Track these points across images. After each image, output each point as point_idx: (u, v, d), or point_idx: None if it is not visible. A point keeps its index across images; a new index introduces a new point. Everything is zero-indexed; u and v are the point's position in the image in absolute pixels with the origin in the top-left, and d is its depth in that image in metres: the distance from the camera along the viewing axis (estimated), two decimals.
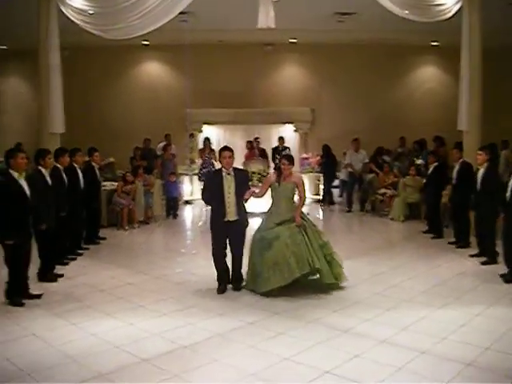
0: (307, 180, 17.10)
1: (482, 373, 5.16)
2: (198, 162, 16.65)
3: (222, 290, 7.84)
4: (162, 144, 17.00)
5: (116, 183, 13.50)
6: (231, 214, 7.70)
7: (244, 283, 8.02)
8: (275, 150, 16.77)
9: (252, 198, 7.92)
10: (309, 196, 16.81)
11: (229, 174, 7.72)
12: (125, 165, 15.71)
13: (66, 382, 5.06)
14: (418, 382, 4.99)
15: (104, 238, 11.64)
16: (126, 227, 12.73)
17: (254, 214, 14.43)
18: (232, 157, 7.78)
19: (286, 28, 14.89)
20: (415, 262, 9.68)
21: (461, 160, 10.64)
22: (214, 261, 7.90)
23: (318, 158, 16.69)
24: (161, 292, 7.96)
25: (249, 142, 17.51)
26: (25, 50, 13.79)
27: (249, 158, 16.70)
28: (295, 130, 19.26)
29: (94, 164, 11.53)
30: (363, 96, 18.35)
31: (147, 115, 18.74)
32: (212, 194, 7.81)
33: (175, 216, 14.52)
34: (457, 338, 6.01)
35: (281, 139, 17.15)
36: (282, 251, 7.49)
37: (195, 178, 16.68)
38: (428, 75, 19.32)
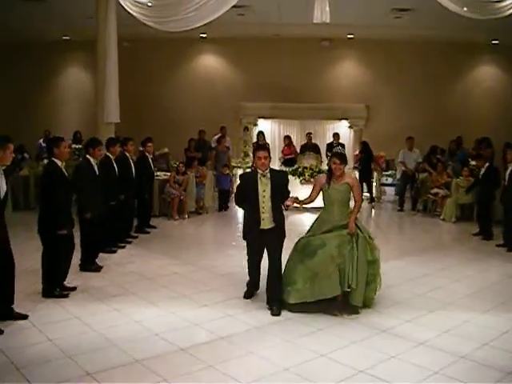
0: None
1: None
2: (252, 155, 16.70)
3: (250, 294, 7.39)
4: (216, 136, 17.11)
5: (169, 173, 13.67)
6: (266, 222, 6.79)
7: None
8: (329, 146, 16.68)
9: (298, 205, 7.10)
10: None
11: (264, 175, 6.75)
12: (179, 155, 15.91)
13: (105, 365, 5.18)
14: None
15: (154, 227, 11.83)
16: (176, 217, 12.89)
17: (302, 210, 14.84)
18: (268, 157, 6.80)
19: (342, 23, 14.88)
20: (463, 264, 9.49)
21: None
22: (249, 272, 7.35)
23: (357, 153, 16.58)
24: (205, 283, 8.04)
25: (287, 138, 17.38)
26: (86, 41, 14.08)
27: (287, 153, 16.64)
28: (350, 127, 19.15)
29: (147, 154, 11.69)
30: (419, 94, 18.08)
31: (203, 107, 18.89)
32: (245, 197, 6.96)
33: (226, 208, 14.61)
34: (498, 344, 5.87)
35: (336, 135, 17.04)
36: (325, 262, 6.62)
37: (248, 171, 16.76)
38: (487, 74, 18.85)
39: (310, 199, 7.19)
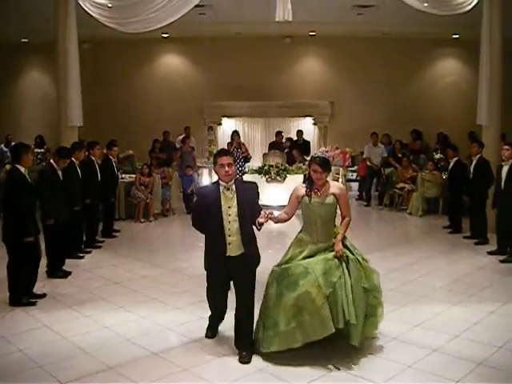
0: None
1: (495, 372, 5.11)
2: None
3: (213, 331, 6.03)
4: (181, 137, 17.05)
5: (134, 176, 13.55)
6: (233, 247, 5.41)
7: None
8: (294, 145, 16.70)
9: (271, 222, 5.54)
10: None
11: (228, 189, 5.40)
12: (144, 157, 15.77)
13: (77, 374, 5.10)
14: (428, 381, 4.95)
15: (118, 231, 11.68)
16: (142, 220, 12.78)
17: (268, 208, 14.81)
18: (233, 165, 5.43)
19: (304, 21, 14.90)
20: (432, 257, 9.60)
21: (478, 155, 10.52)
22: (211, 304, 5.92)
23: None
24: (175, 285, 7.98)
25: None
26: (45, 43, 13.85)
27: None
28: (314, 124, 19.20)
29: (111, 157, 11.56)
30: (383, 89, 18.19)
31: (166, 108, 18.77)
32: (205, 217, 5.50)
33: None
34: (470, 335, 5.95)
35: (299, 132, 17.09)
36: (310, 294, 5.24)
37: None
38: (448, 69, 19.08)
39: (287, 216, 5.78)
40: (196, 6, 10.98)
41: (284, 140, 17.01)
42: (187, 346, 5.77)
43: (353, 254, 5.59)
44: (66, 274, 8.47)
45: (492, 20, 11.20)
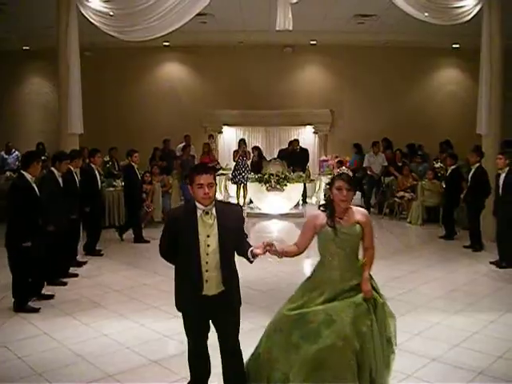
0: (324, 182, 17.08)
1: (494, 382, 5.12)
2: (230, 164, 16.66)
3: None
4: (181, 145, 17.09)
5: None
6: (212, 285, 4.39)
7: None
8: (292, 154, 16.69)
9: (276, 257, 4.60)
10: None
11: (207, 213, 4.37)
12: (145, 165, 15.76)
13: (76, 382, 5.11)
14: None
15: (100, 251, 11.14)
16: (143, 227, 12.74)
17: (268, 216, 14.92)
18: (214, 184, 4.41)
19: (305, 30, 14.97)
20: (432, 266, 9.61)
21: (477, 164, 10.54)
22: (190, 364, 4.85)
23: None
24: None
25: (206, 145, 17.05)
26: (47, 51, 13.91)
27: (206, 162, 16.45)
28: (315, 132, 19.22)
29: (93, 166, 11.40)
30: (383, 98, 18.23)
31: (167, 116, 18.77)
32: (179, 246, 4.44)
33: None
34: (469, 345, 5.96)
35: (295, 141, 17.06)
36: (336, 348, 4.30)
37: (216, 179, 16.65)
38: (449, 78, 19.11)
39: (297, 249, 4.76)
40: (197, 14, 11.03)
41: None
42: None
43: (380, 297, 4.62)
44: (65, 283, 8.51)
45: (492, 30, 11.25)
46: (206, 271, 4.36)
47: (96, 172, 10.43)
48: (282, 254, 4.60)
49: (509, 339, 6.12)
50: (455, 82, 19.03)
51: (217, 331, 4.60)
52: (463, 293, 7.98)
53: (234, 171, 15.93)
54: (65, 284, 8.43)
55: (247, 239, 4.63)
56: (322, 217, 4.64)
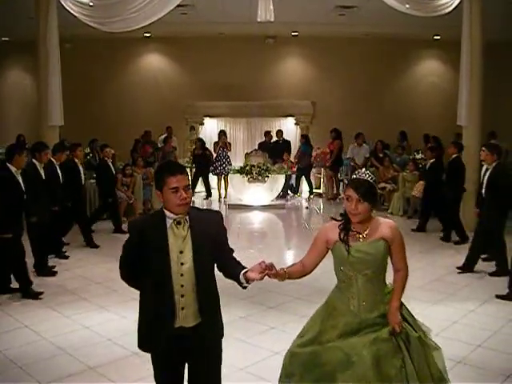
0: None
1: (473, 370, 5.17)
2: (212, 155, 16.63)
3: None
4: (163, 136, 17.08)
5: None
6: (188, 314, 3.49)
7: None
8: (275, 145, 16.72)
9: (277, 279, 3.60)
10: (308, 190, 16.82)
11: (179, 222, 3.46)
12: (125, 157, 15.70)
13: (57, 375, 5.09)
14: None
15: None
16: (124, 219, 12.68)
17: (249, 208, 14.94)
18: (188, 187, 3.45)
19: (287, 21, 14.94)
20: (413, 257, 9.56)
21: (454, 156, 10.62)
22: None
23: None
24: None
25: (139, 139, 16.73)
26: (26, 42, 13.76)
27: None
28: (296, 124, 19.25)
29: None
30: (364, 90, 18.27)
31: (148, 107, 18.69)
32: (145, 266, 3.49)
33: None
34: (449, 334, 6.01)
35: (279, 132, 17.11)
36: None
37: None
38: (430, 69, 19.23)
39: (303, 268, 3.86)
40: (178, 5, 10.99)
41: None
42: None
43: (413, 330, 3.71)
44: (54, 272, 8.54)
45: (472, 21, 11.31)
46: (182, 296, 3.45)
47: (80, 167, 10.40)
48: (284, 277, 3.66)
49: (488, 328, 6.20)
50: (436, 73, 19.15)
51: (190, 379, 3.62)
52: (444, 283, 8.04)
53: (214, 163, 15.91)
54: (54, 274, 8.50)
55: (233, 254, 3.65)
56: (336, 230, 3.73)
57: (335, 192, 16.28)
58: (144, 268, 3.48)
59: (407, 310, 3.85)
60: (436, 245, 10.56)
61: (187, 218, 3.48)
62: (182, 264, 3.43)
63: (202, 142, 16.21)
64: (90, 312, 6.86)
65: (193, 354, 3.55)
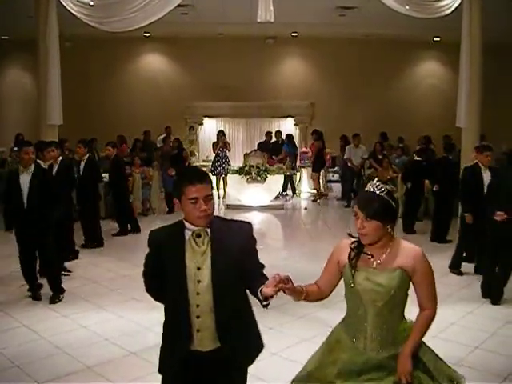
0: (305, 173, 17.14)
1: (471, 372, 5.14)
2: (211, 156, 16.61)
3: None
4: (162, 136, 17.11)
5: None
6: (206, 336, 3.19)
7: None
8: (275, 145, 16.75)
9: (294, 298, 3.17)
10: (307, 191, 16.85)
11: (199, 235, 3.12)
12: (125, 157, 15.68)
13: (55, 374, 5.09)
14: None
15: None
16: None
17: (248, 208, 14.95)
18: (209, 197, 3.11)
19: (287, 22, 14.94)
20: None
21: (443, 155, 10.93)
22: None
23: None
24: None
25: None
26: (26, 41, 13.75)
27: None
28: (295, 124, 19.28)
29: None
30: (364, 91, 18.32)
31: (148, 107, 18.72)
32: (163, 281, 3.24)
33: (172, 210, 14.34)
34: (446, 336, 6.01)
35: (278, 133, 17.16)
36: None
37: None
38: (429, 71, 19.28)
39: (318, 290, 3.37)
40: (178, 5, 10.95)
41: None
42: None
43: (430, 380, 3.15)
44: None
45: (472, 23, 11.27)
46: (197, 317, 3.15)
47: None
48: (302, 294, 3.18)
49: (486, 330, 6.21)
50: (436, 75, 19.19)
51: None
52: (441, 284, 7.87)
53: (214, 163, 15.92)
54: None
55: (262, 270, 3.19)
56: (348, 250, 3.24)
57: (321, 192, 16.29)
58: (164, 283, 3.22)
59: (431, 353, 3.29)
60: (436, 247, 10.53)
61: (208, 230, 3.13)
62: (198, 282, 3.11)
63: (179, 142, 16.17)
64: (88, 312, 6.86)
65: (210, 381, 3.22)
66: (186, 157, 15.62)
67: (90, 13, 10.71)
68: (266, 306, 2.98)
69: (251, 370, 4.55)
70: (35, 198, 7.07)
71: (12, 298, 7.35)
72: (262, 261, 3.25)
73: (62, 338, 5.97)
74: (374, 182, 3.18)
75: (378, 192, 3.07)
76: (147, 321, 6.43)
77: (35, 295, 7.32)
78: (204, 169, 16.40)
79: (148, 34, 17.66)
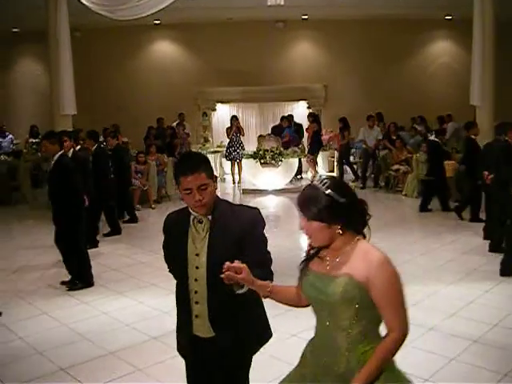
0: (321, 157, 17.09)
1: (489, 349, 5.18)
2: (225, 141, 16.61)
3: None
4: (175, 123, 17.08)
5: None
6: (202, 323, 3.14)
7: None
8: (277, 129, 16.65)
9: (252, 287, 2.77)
10: (323, 173, 16.80)
11: (200, 221, 3.09)
12: (139, 145, 15.75)
13: (78, 360, 5.16)
14: (425, 359, 5.00)
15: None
16: (138, 206, 12.68)
17: (263, 192, 14.89)
18: (208, 184, 3.01)
19: (296, 4, 14.89)
20: (428, 237, 9.66)
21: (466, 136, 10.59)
22: None
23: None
24: None
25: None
26: (37, 32, 13.79)
27: None
28: (308, 107, 19.19)
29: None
30: (376, 72, 18.15)
31: (160, 94, 18.68)
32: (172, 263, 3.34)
33: None
34: (465, 314, 6.03)
35: (290, 116, 17.09)
36: None
37: (210, 156, 16.52)
38: (441, 50, 19.07)
39: (297, 298, 2.89)
40: None
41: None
42: None
43: None
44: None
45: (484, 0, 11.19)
46: (196, 303, 3.12)
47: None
48: (266, 290, 2.81)
49: (503, 308, 6.19)
50: (448, 53, 18.98)
51: None
52: (459, 263, 8.03)
53: (228, 148, 15.91)
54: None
55: (264, 259, 3.09)
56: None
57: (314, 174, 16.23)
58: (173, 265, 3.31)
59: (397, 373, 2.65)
60: (453, 225, 10.50)
61: (209, 216, 3.08)
62: (196, 268, 3.07)
63: (172, 129, 16.12)
64: (108, 298, 6.94)
65: (212, 368, 3.21)
66: (177, 145, 15.64)
67: (99, 1, 10.73)
68: (235, 292, 2.78)
69: (270, 350, 4.62)
70: None
71: (32, 287, 7.43)
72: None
73: (84, 325, 6.04)
74: (317, 176, 2.90)
75: (319, 187, 2.55)
76: (166, 306, 6.46)
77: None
78: (218, 154, 16.49)
79: (158, 22, 17.62)
